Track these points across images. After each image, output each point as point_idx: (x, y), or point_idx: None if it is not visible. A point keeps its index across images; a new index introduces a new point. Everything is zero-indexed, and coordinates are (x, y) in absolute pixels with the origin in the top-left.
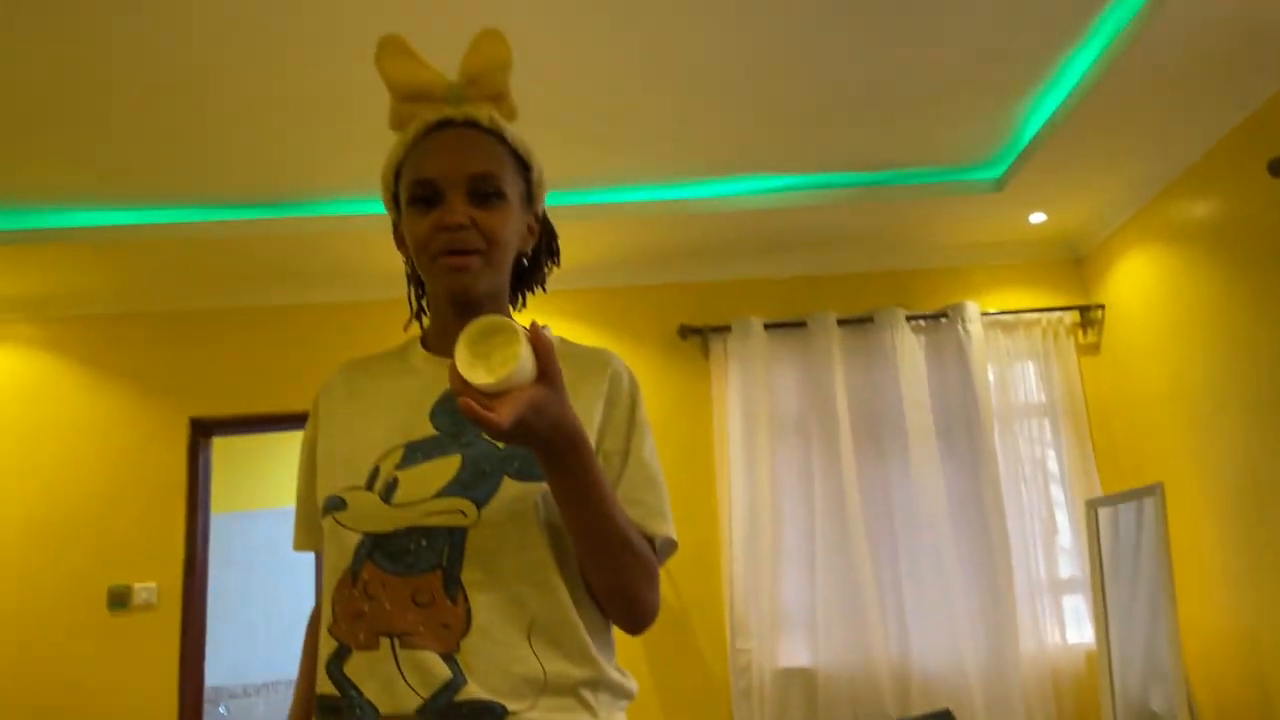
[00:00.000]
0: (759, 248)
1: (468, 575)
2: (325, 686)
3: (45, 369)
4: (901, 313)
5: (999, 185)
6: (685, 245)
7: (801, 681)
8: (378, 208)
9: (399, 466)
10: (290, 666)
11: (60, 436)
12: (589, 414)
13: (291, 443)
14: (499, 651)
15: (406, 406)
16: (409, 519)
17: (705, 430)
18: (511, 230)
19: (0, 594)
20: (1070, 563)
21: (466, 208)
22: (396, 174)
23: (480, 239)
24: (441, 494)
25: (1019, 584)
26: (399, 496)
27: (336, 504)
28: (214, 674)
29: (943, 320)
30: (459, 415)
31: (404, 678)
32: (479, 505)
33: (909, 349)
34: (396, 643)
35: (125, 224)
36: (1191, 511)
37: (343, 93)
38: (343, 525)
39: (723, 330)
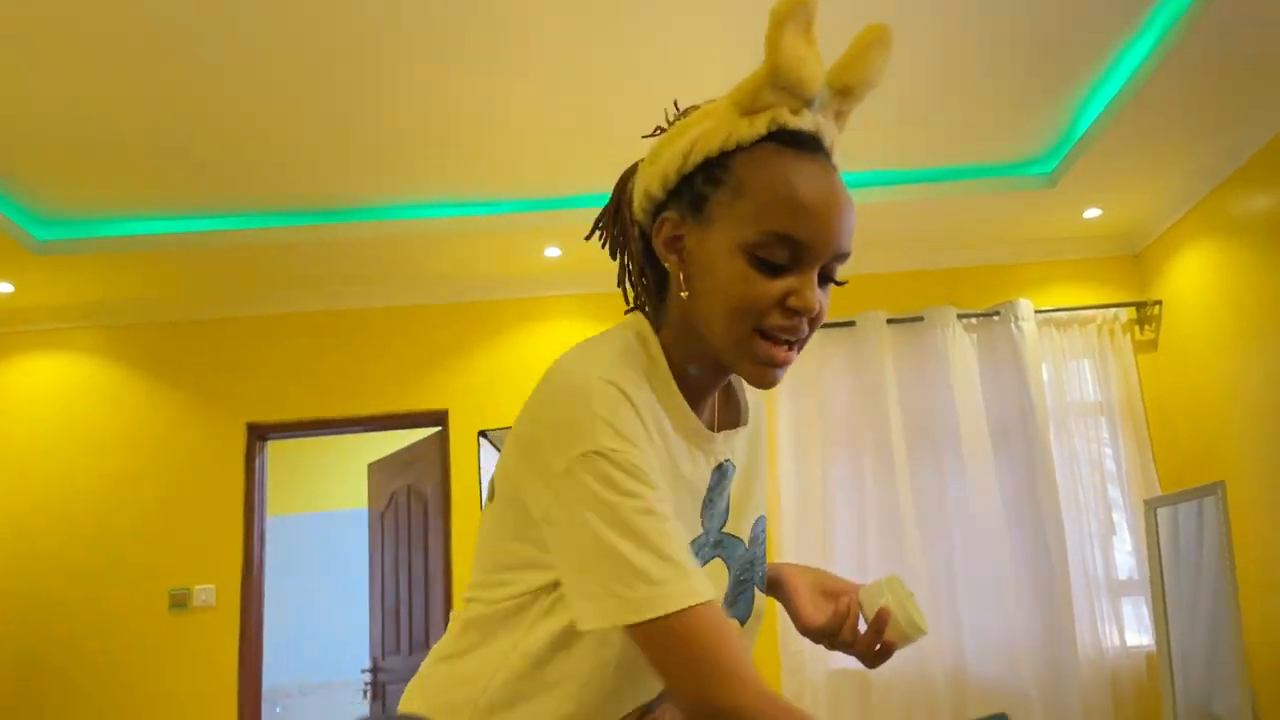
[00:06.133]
0: None
1: None
2: None
3: (105, 376)
4: (953, 311)
5: (1052, 181)
6: None
7: (855, 684)
8: (434, 212)
9: None
10: (345, 668)
11: (121, 442)
12: (761, 479)
13: (343, 446)
14: None
15: (690, 496)
16: None
17: None
18: None
19: (67, 595)
20: (1129, 564)
21: (818, 290)
22: (711, 161)
23: (807, 329)
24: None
25: (1076, 586)
26: None
27: None
28: (271, 673)
29: (995, 318)
30: (711, 511)
31: None
32: (741, 621)
33: (961, 348)
34: None
35: (181, 231)
36: (1254, 511)
37: (405, 101)
38: None
39: None
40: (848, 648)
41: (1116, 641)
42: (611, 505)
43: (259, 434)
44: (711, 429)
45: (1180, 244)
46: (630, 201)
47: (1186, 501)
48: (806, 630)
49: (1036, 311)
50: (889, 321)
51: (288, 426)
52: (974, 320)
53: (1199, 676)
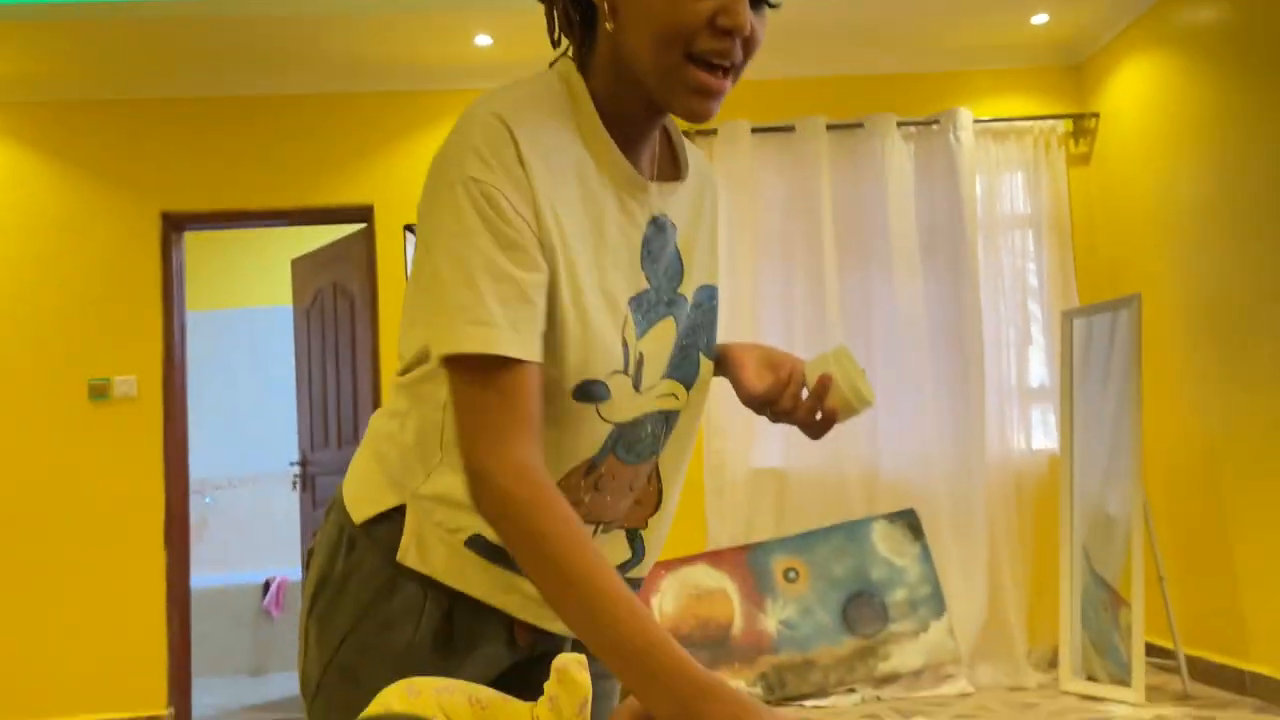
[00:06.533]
0: None
1: (664, 456)
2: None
3: (7, 157)
4: (893, 119)
5: None
6: None
7: (772, 481)
8: None
9: (636, 338)
10: (274, 461)
11: (28, 228)
12: (710, 244)
13: (266, 241)
14: (665, 528)
15: (624, 246)
16: (647, 406)
17: None
18: None
19: None
20: (1043, 372)
21: (749, 9)
22: None
23: (741, 55)
24: (667, 374)
25: (990, 392)
26: (644, 380)
27: (601, 394)
28: (199, 466)
29: (934, 127)
30: (662, 265)
31: None
32: (687, 387)
33: (898, 157)
34: (600, 529)
35: (87, 2)
36: (1168, 323)
37: None
38: (602, 418)
39: (709, 134)
40: (788, 416)
41: (1023, 445)
42: (455, 236)
43: (175, 224)
44: (649, 179)
45: (1123, 55)
46: None
47: (1101, 313)
48: (748, 398)
49: (975, 121)
50: (829, 128)
51: (205, 217)
52: (913, 129)
53: (1097, 479)
